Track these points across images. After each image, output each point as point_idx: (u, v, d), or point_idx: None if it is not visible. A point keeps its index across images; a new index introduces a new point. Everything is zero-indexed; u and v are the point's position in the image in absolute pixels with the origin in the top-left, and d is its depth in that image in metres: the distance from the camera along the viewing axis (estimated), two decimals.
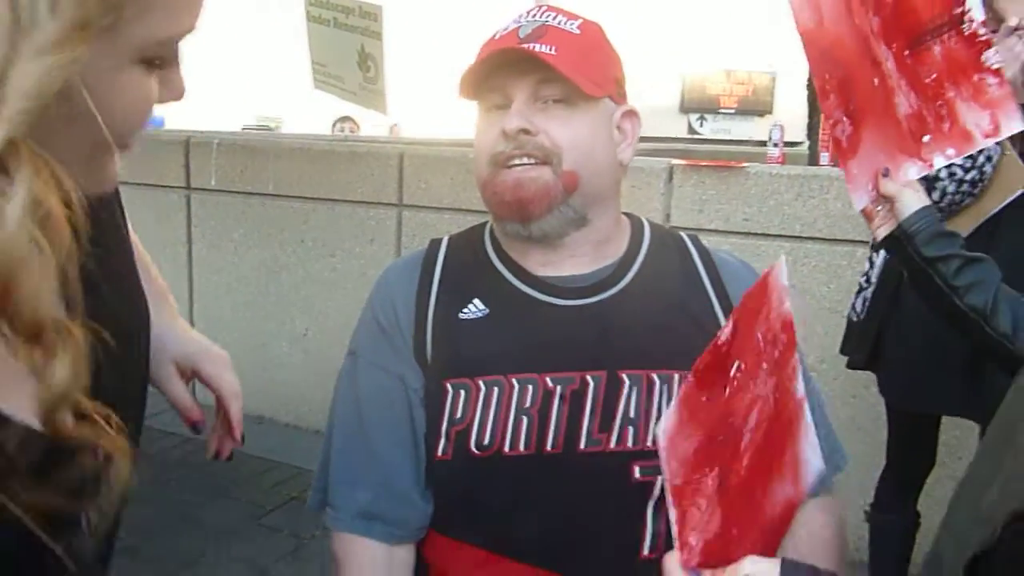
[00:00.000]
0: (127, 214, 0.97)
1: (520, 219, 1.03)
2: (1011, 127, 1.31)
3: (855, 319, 2.22)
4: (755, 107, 15.52)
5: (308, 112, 6.53)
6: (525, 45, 1.00)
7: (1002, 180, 1.91)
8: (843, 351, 2.30)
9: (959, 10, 1.28)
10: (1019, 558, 0.63)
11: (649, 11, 14.32)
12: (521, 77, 1.02)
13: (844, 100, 1.40)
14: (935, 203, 1.93)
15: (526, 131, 1.01)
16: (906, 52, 1.33)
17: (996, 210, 1.89)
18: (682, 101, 15.82)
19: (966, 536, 0.76)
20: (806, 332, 2.83)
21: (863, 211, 1.51)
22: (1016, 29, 1.73)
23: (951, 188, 1.92)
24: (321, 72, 3.81)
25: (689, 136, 15.12)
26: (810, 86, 4.35)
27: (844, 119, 1.41)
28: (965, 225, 1.96)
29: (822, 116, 3.92)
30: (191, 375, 1.04)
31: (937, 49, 1.31)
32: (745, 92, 15.87)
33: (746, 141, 12.44)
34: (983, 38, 1.28)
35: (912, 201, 1.44)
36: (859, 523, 2.47)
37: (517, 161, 1.02)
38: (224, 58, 16.41)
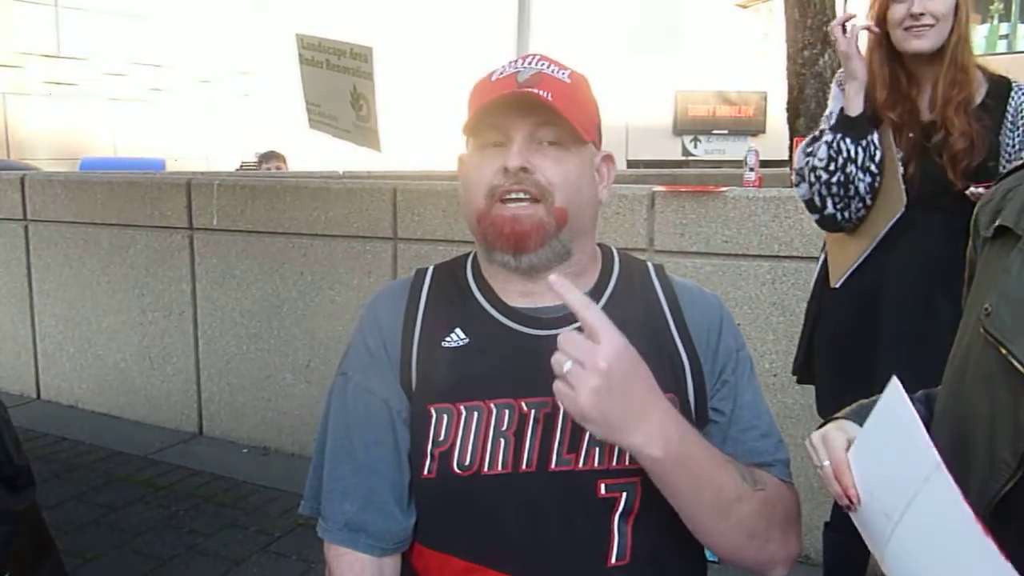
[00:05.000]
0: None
1: (513, 251, 1.10)
2: None
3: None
4: (748, 127, 15.61)
5: (304, 147, 6.62)
6: (527, 89, 1.09)
7: (886, 202, 2.07)
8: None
9: None
10: None
11: (642, 34, 14.53)
12: (521, 118, 1.09)
13: None
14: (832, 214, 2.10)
15: (525, 169, 1.08)
16: None
17: (884, 231, 2.05)
18: (675, 123, 15.93)
19: None
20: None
21: None
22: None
23: (823, 191, 2.09)
24: (316, 112, 3.94)
25: (684, 158, 15.24)
26: (789, 107, 4.47)
27: None
28: (862, 245, 2.11)
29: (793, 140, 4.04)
30: None
31: None
32: (738, 112, 15.99)
33: (740, 162, 12.55)
34: None
35: None
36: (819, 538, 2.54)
37: (514, 196, 1.09)
38: (223, 97, 16.65)
